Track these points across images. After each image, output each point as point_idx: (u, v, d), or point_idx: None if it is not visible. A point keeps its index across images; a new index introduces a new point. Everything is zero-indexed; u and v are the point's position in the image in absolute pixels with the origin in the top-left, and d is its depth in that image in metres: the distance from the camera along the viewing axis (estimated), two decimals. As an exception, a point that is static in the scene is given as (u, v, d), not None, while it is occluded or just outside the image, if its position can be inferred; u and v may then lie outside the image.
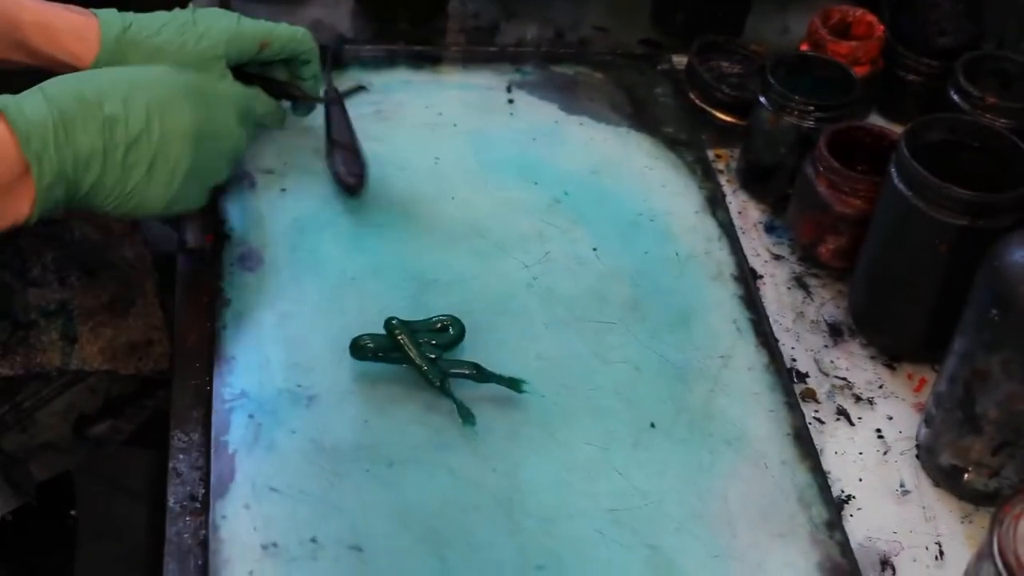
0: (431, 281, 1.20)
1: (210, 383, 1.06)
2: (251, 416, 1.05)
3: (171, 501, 0.98)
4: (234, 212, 1.25)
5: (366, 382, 1.09)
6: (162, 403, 1.17)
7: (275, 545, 0.96)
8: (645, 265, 1.26)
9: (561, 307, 1.19)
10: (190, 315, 1.13)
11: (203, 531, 0.97)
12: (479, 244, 1.25)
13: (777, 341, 1.18)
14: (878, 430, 1.12)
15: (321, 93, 1.29)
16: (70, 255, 1.18)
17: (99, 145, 0.98)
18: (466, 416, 1.06)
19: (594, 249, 1.26)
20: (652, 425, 1.09)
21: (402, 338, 1.07)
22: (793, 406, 1.12)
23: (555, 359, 1.14)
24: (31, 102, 0.96)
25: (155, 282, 1.21)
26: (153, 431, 1.20)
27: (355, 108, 1.34)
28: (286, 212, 1.26)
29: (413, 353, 1.07)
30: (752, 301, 1.22)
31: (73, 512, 1.36)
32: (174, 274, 1.18)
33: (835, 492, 1.06)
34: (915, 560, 1.03)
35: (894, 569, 1.02)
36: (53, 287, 1.16)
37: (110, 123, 0.98)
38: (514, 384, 1.08)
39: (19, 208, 0.96)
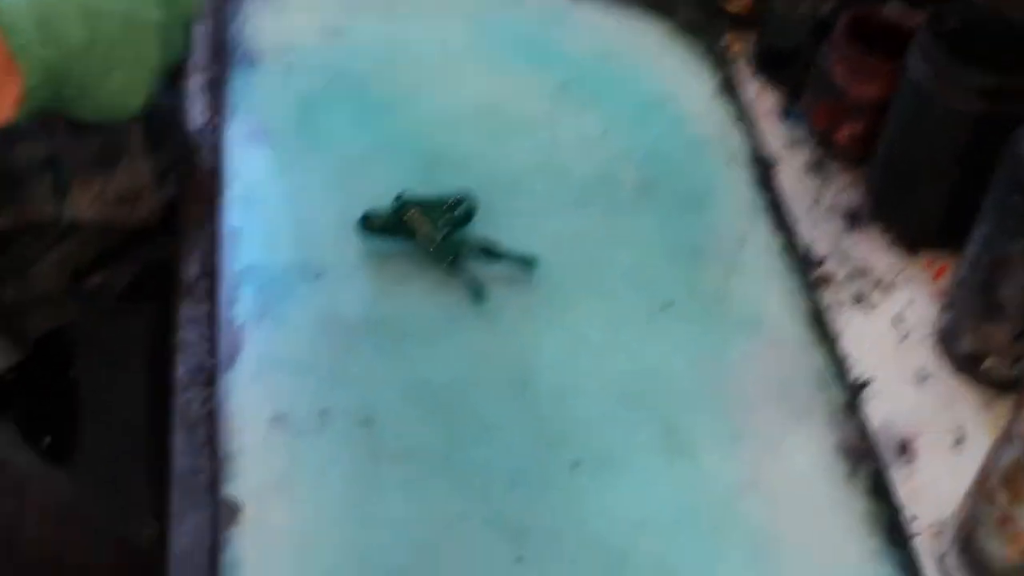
0: (439, 160, 1.17)
1: (217, 256, 1.03)
2: (259, 289, 1.02)
3: (180, 371, 0.95)
4: (239, 89, 1.21)
5: (375, 259, 1.06)
6: (153, 256, 1.15)
7: (283, 417, 0.94)
8: (657, 149, 1.23)
9: (572, 188, 1.17)
10: (195, 189, 1.10)
11: (211, 402, 0.94)
12: (488, 124, 1.22)
13: (793, 225, 1.15)
14: (896, 316, 1.10)
15: None
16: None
17: (86, 38, 0.93)
18: (477, 294, 1.03)
19: (605, 132, 1.23)
20: (666, 306, 1.07)
21: (413, 213, 1.04)
22: (810, 289, 1.10)
23: (567, 240, 1.11)
24: None
25: (142, 134, 1.17)
26: (147, 285, 1.17)
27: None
28: (291, 90, 1.22)
29: (423, 229, 1.04)
30: (767, 186, 1.20)
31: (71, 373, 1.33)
32: (161, 125, 1.14)
33: (853, 376, 1.04)
34: (934, 445, 1.01)
35: (913, 453, 1.00)
36: (41, 141, 1.12)
37: (93, 16, 0.94)
38: (526, 263, 1.06)
39: (2, 110, 0.92)
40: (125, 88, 0.98)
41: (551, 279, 1.07)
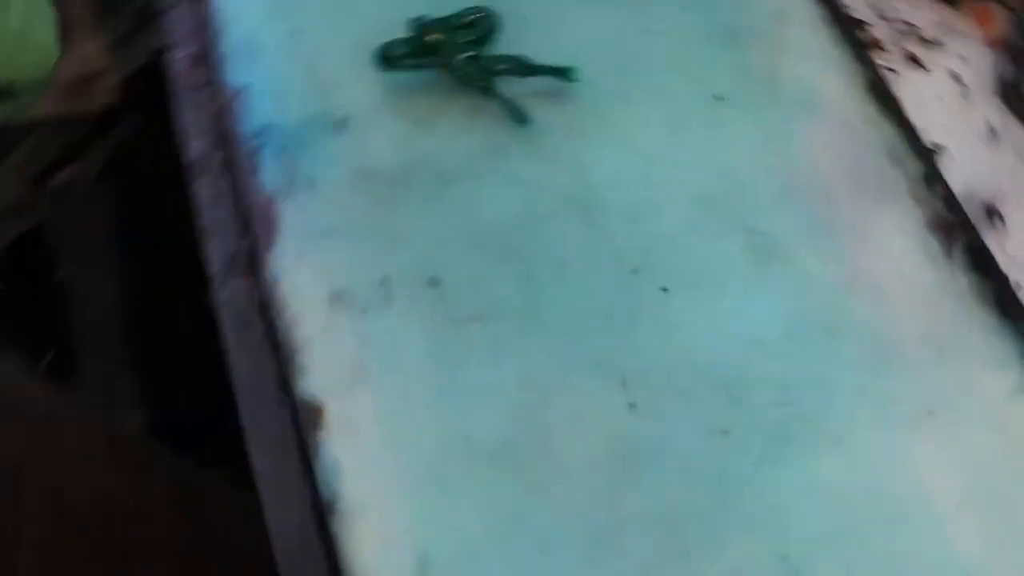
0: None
1: (226, 120, 0.90)
2: (280, 151, 0.89)
3: (214, 260, 0.84)
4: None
5: (400, 95, 0.94)
6: (126, 136, 1.02)
7: (342, 295, 0.83)
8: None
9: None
10: (183, 37, 0.95)
11: (258, 291, 0.83)
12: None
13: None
14: (953, 72, 1.02)
15: None
16: None
17: None
18: (517, 115, 0.92)
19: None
20: (718, 99, 0.97)
21: (435, 37, 0.92)
22: (862, 58, 1.00)
23: (599, 40, 1.00)
24: None
25: (86, 3, 1.03)
26: (120, 169, 1.05)
27: None
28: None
29: (449, 53, 0.92)
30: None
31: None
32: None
33: (924, 144, 0.96)
34: (1022, 205, 0.94)
35: (1002, 217, 0.93)
36: None
37: None
38: (563, 73, 0.95)
39: None
40: None
41: (592, 87, 0.96)
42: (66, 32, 1.00)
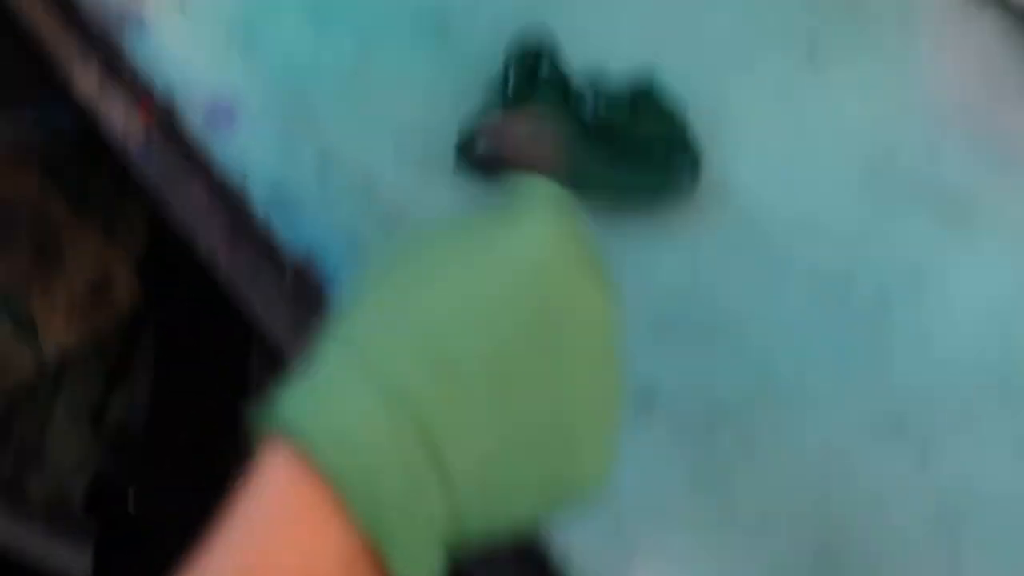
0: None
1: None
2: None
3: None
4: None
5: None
6: (159, 333, 0.86)
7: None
8: None
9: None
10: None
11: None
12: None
13: None
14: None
15: None
16: None
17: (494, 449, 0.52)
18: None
19: None
20: (810, 44, 0.84)
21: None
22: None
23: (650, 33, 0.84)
24: (347, 402, 0.50)
25: (64, 197, 0.84)
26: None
27: None
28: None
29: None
30: None
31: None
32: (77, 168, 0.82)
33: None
34: None
35: None
36: None
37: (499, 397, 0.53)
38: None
39: None
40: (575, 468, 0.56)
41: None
42: (59, 236, 0.82)
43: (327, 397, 0.49)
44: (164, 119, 0.84)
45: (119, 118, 0.85)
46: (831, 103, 0.82)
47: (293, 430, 0.48)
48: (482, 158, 0.76)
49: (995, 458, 0.74)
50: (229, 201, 0.81)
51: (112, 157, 0.84)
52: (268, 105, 0.83)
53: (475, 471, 0.50)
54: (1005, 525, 0.73)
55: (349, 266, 0.78)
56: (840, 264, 0.77)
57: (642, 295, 0.76)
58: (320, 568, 0.48)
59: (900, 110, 0.81)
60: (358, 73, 0.82)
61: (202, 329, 0.81)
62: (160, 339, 0.91)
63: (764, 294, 0.76)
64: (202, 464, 0.89)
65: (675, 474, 0.73)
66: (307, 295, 0.78)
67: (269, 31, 0.85)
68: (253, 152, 0.82)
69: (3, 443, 0.83)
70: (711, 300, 0.76)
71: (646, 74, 0.80)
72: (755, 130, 0.81)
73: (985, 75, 0.82)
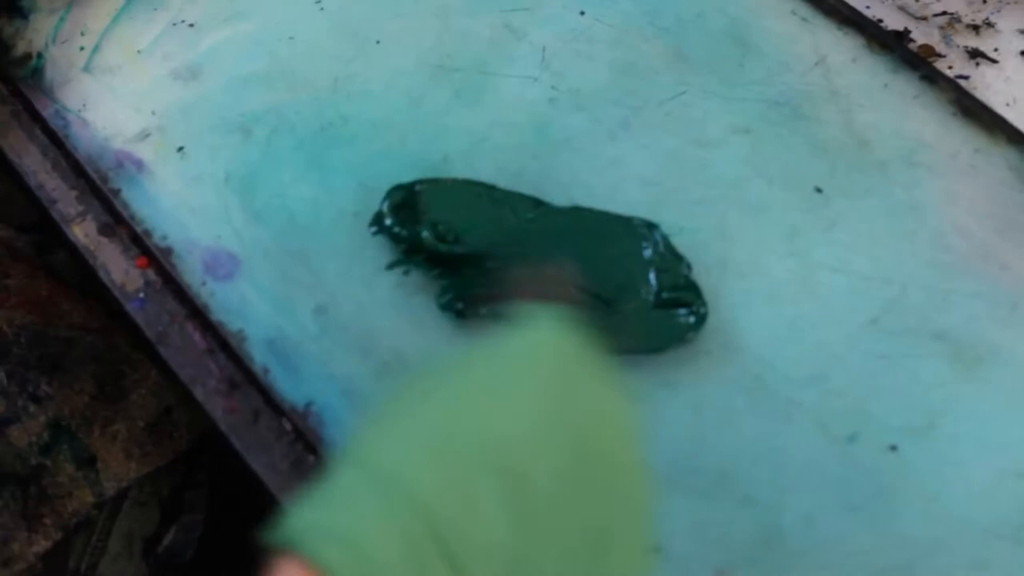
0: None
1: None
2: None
3: None
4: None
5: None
6: (215, 467, 0.84)
7: None
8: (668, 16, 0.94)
9: (583, 107, 0.88)
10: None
11: None
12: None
13: (852, 8, 0.92)
14: (1023, 52, 0.90)
15: None
16: (20, 361, 0.81)
17: (518, 557, 0.50)
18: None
19: (581, 13, 0.93)
20: (818, 190, 0.83)
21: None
22: (930, 78, 0.87)
23: (658, 181, 0.84)
24: (360, 518, 0.49)
25: (126, 334, 0.84)
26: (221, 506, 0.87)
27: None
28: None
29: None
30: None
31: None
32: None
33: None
34: None
35: None
36: (29, 411, 0.78)
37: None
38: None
39: None
40: None
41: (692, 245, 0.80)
42: (121, 371, 0.81)
43: (340, 514, 0.48)
44: (162, 268, 0.83)
45: (117, 266, 0.85)
46: (839, 248, 0.81)
47: (306, 547, 0.47)
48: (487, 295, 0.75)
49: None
50: (227, 351, 0.80)
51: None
52: (267, 257, 0.83)
53: None
54: None
55: (347, 414, 0.77)
56: (849, 414, 0.75)
57: (647, 447, 0.74)
58: None
59: (909, 255, 0.80)
60: (357, 226, 0.82)
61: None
62: (214, 472, 0.90)
63: (771, 445, 0.74)
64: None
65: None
66: (306, 443, 0.77)
67: (269, 183, 0.85)
68: (252, 304, 0.81)
69: (58, 574, 0.81)
70: (717, 451, 0.74)
71: (652, 222, 0.79)
72: (762, 277, 0.80)
73: (994, 219, 0.81)
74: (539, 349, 0.55)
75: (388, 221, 0.78)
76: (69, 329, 0.85)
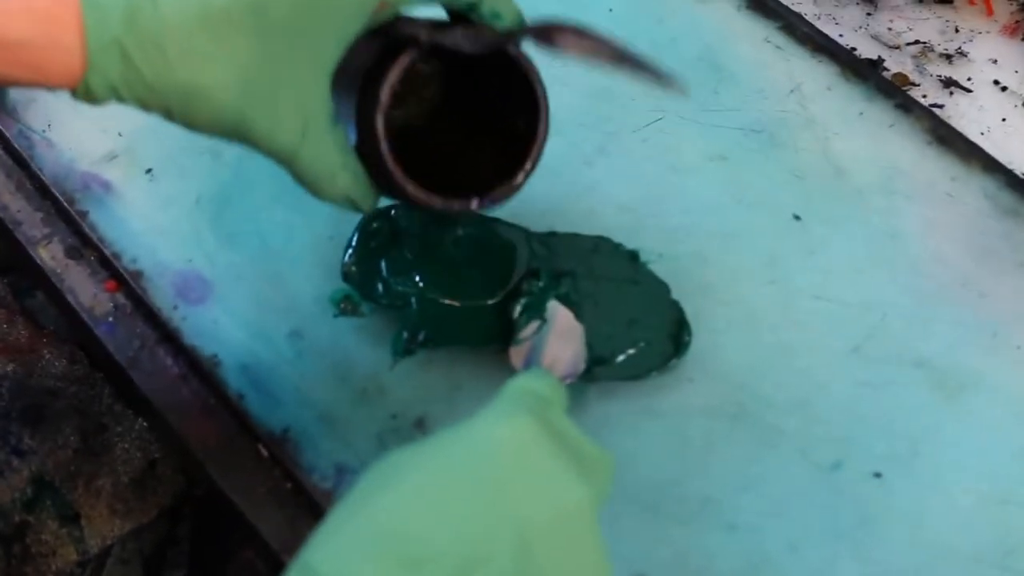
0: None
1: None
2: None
3: None
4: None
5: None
6: (198, 522, 0.83)
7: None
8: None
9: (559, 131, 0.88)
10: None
11: None
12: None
13: (825, 36, 0.92)
14: (996, 82, 0.91)
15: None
16: (2, 413, 0.81)
17: None
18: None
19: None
20: (796, 217, 0.84)
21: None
22: (905, 107, 0.88)
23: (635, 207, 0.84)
24: None
25: (108, 383, 0.83)
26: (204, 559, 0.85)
27: None
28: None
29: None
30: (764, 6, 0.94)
31: None
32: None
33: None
34: None
35: None
36: (12, 465, 0.76)
37: None
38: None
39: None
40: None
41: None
42: (104, 424, 0.80)
43: None
44: (132, 292, 0.82)
45: (84, 290, 0.83)
46: (819, 275, 0.81)
47: None
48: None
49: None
50: (201, 376, 0.79)
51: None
52: (241, 281, 0.81)
53: None
54: None
55: (324, 440, 0.76)
56: (832, 441, 0.75)
57: (631, 474, 0.73)
58: None
59: (889, 282, 0.81)
60: (332, 250, 0.81)
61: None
62: (198, 526, 0.88)
63: (755, 472, 0.74)
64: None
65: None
66: (283, 468, 0.75)
67: (241, 206, 0.84)
68: (226, 328, 0.80)
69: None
70: (701, 478, 0.74)
71: (632, 250, 0.79)
72: (743, 304, 0.79)
73: (971, 247, 0.82)
74: (493, 434, 0.54)
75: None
76: (51, 379, 0.83)
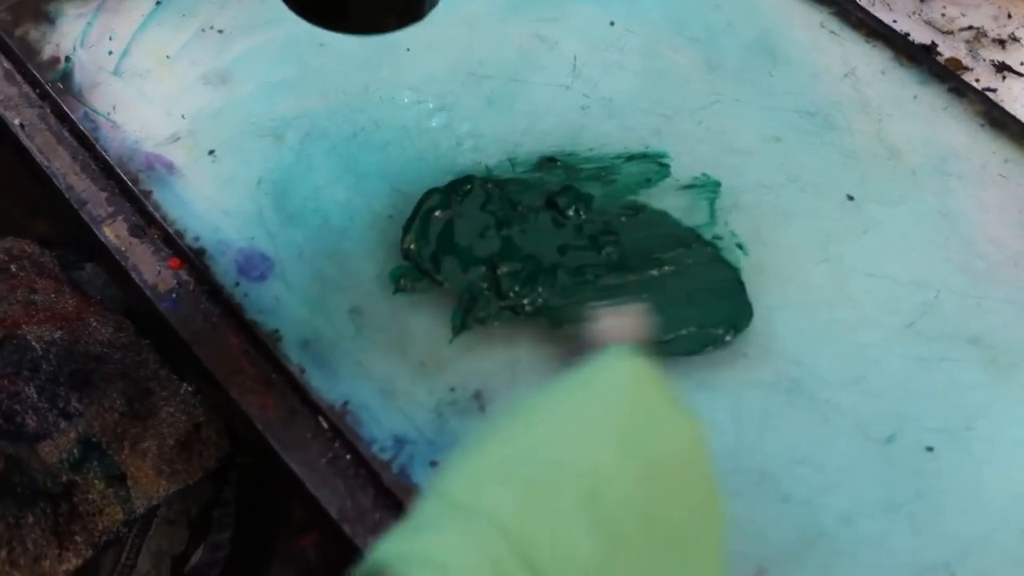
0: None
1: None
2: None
3: None
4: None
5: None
6: (243, 483, 0.84)
7: None
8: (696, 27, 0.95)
9: (615, 115, 0.89)
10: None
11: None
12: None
13: (879, 21, 0.93)
14: (1049, 65, 0.91)
15: None
16: (50, 377, 0.81)
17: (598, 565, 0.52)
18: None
19: (611, 23, 0.94)
20: (850, 197, 0.84)
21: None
22: (958, 90, 0.88)
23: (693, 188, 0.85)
24: (443, 543, 0.51)
25: (154, 350, 0.84)
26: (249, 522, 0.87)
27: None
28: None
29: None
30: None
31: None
32: (161, 321, 0.81)
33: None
34: None
35: None
36: (60, 427, 0.77)
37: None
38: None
39: None
40: None
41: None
42: (150, 388, 0.81)
43: (428, 540, 0.50)
44: (195, 269, 0.83)
45: (148, 267, 0.84)
46: (873, 254, 0.81)
47: (396, 572, 0.49)
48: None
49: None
50: (262, 351, 0.80)
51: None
52: (301, 259, 0.83)
53: None
54: None
55: (385, 413, 0.77)
56: (886, 415, 0.75)
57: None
58: None
59: (942, 261, 0.81)
60: (391, 229, 0.82)
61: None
62: (243, 488, 0.89)
63: (810, 446, 0.74)
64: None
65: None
66: (343, 440, 0.76)
67: (302, 186, 0.85)
68: (287, 304, 0.81)
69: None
70: (757, 452, 0.74)
71: (691, 228, 0.80)
72: (798, 282, 0.80)
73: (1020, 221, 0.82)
74: (614, 380, 0.58)
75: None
76: (98, 346, 0.84)
